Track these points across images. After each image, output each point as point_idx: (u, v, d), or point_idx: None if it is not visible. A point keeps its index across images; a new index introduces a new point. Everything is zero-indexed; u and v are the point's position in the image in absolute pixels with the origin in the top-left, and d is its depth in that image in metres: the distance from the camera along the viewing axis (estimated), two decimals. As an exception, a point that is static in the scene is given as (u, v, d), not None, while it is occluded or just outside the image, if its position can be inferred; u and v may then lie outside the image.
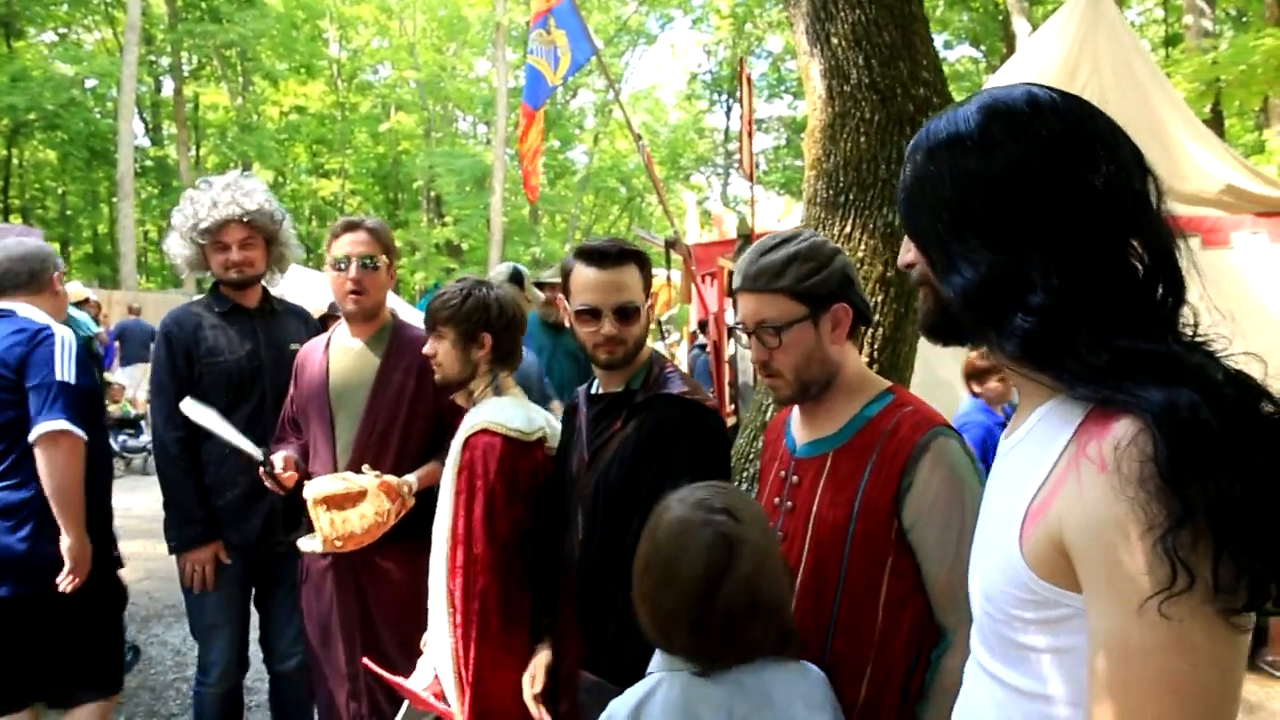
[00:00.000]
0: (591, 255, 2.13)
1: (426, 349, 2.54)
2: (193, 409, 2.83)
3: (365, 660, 2.31)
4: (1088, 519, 0.88)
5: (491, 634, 2.28)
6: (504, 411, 2.42)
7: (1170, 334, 0.97)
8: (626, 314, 2.10)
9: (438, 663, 2.37)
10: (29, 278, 2.98)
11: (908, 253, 1.17)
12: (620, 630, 1.95)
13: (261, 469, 2.83)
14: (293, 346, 3.14)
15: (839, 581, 1.66)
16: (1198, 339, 0.98)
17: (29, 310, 2.92)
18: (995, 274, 1.01)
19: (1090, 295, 0.96)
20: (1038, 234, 0.99)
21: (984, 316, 1.04)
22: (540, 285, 5.12)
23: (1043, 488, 0.96)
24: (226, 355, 3.08)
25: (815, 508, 1.71)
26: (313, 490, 2.67)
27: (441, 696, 2.35)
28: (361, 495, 2.65)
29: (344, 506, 2.65)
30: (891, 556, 1.62)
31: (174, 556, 3.10)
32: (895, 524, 1.62)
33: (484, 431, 2.36)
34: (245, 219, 3.11)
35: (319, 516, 2.64)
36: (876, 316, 2.66)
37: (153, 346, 3.20)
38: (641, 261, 2.17)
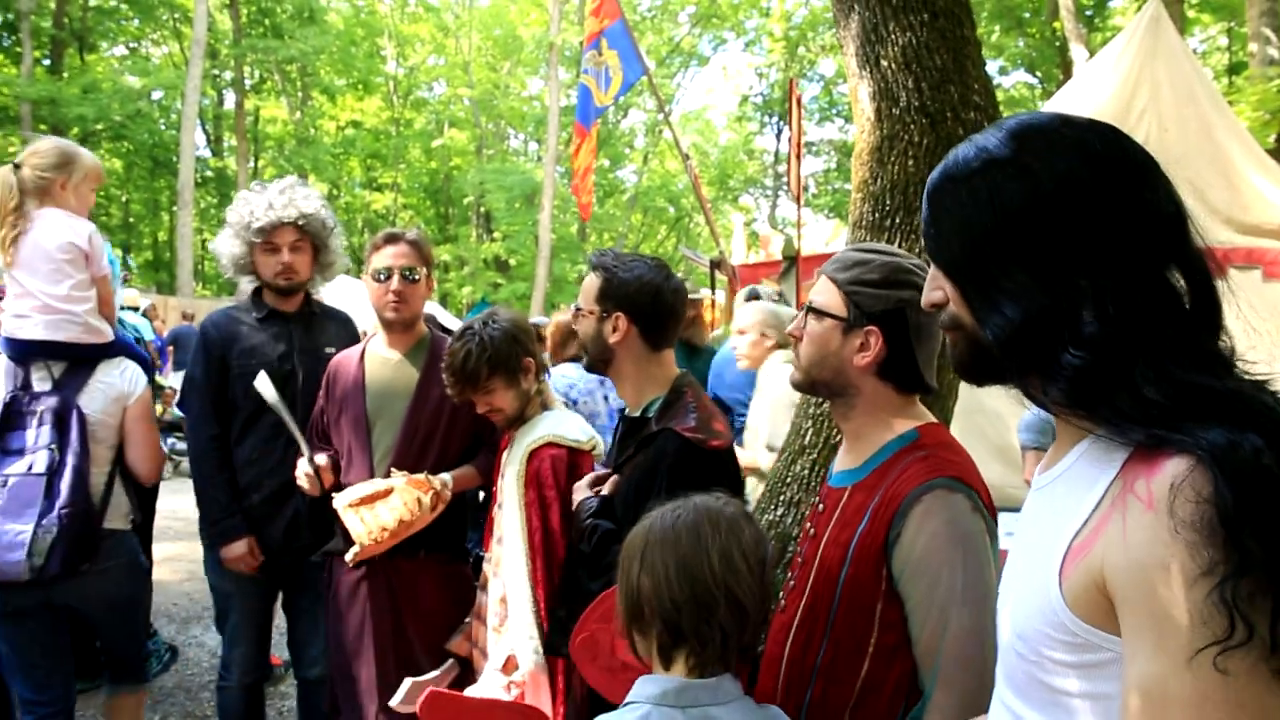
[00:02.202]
0: None
1: (479, 410, 2.58)
2: (264, 385, 2.89)
3: (438, 689, 2.32)
4: (1133, 560, 0.83)
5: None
6: (561, 424, 2.53)
7: (1222, 365, 0.92)
8: (577, 314, 2.27)
9: (527, 674, 2.36)
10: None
11: (935, 290, 1.09)
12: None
13: (302, 461, 2.86)
14: (328, 350, 3.16)
15: (828, 623, 1.59)
16: (1260, 376, 0.92)
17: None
18: (1043, 309, 0.94)
19: (1146, 324, 0.91)
20: (1089, 258, 0.93)
21: (1029, 359, 0.97)
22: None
23: (1085, 526, 0.91)
24: (260, 359, 3.07)
25: (823, 542, 1.65)
26: (342, 499, 2.71)
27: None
28: (389, 492, 2.68)
29: (373, 504, 2.68)
30: (881, 605, 1.53)
31: (206, 554, 3.16)
32: (885, 573, 1.53)
33: (548, 444, 2.45)
34: (300, 222, 3.13)
35: (349, 520, 2.67)
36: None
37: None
38: (603, 275, 2.21)
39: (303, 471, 2.85)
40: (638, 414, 2.19)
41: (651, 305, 2.17)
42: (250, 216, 3.09)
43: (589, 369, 2.33)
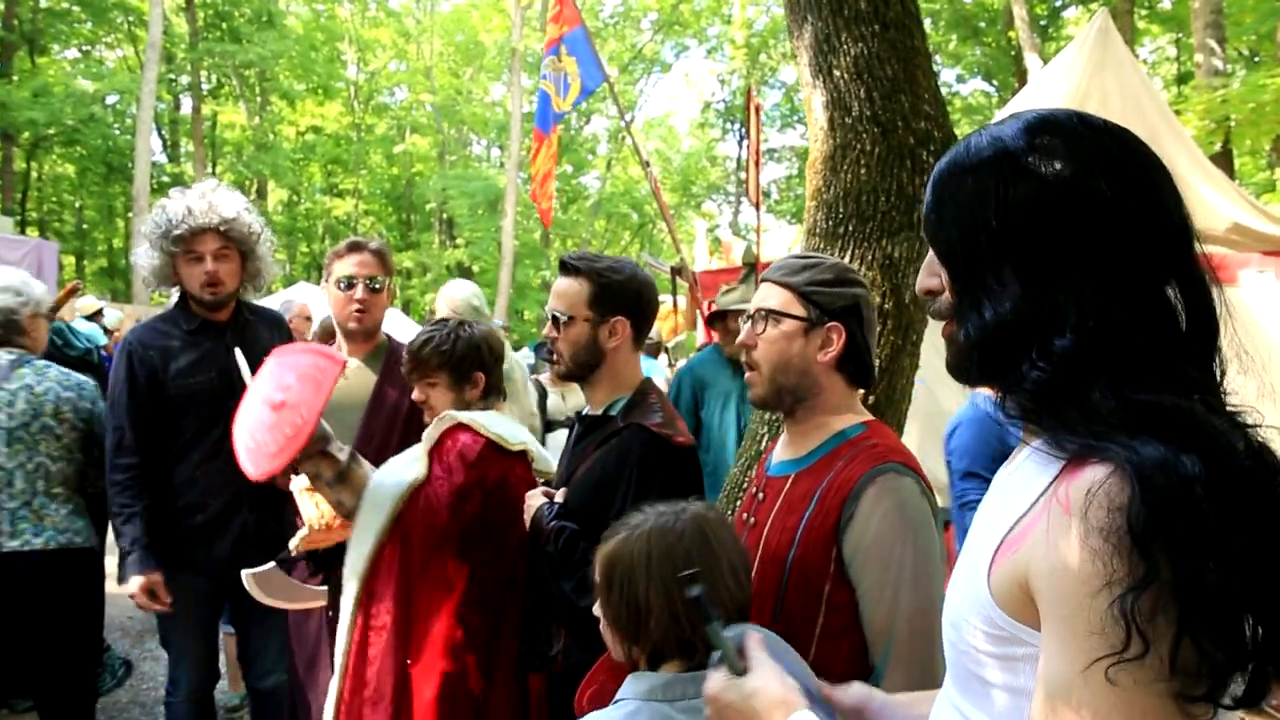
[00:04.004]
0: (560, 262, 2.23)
1: (416, 396, 2.54)
2: (243, 361, 2.76)
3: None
4: (1048, 562, 0.83)
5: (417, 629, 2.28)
6: (487, 417, 2.46)
7: (1198, 390, 0.88)
8: (557, 322, 2.16)
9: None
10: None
11: (931, 277, 1.05)
12: (564, 647, 2.01)
13: None
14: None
15: (776, 606, 1.64)
16: (1230, 405, 0.90)
17: None
18: (1020, 316, 0.92)
19: (1121, 342, 0.88)
20: (1084, 268, 0.90)
21: (994, 364, 0.96)
22: (721, 315, 4.35)
23: (1018, 523, 0.92)
24: (198, 376, 2.94)
25: (767, 528, 1.69)
26: (300, 480, 2.64)
27: None
28: None
29: None
30: (829, 587, 1.59)
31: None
32: (835, 555, 1.58)
33: (462, 427, 2.37)
34: (221, 228, 2.95)
35: (303, 502, 2.62)
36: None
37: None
38: (591, 279, 2.14)
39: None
40: (599, 412, 2.19)
41: (646, 306, 2.20)
42: (168, 224, 2.91)
43: (567, 377, 2.22)
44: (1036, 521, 0.89)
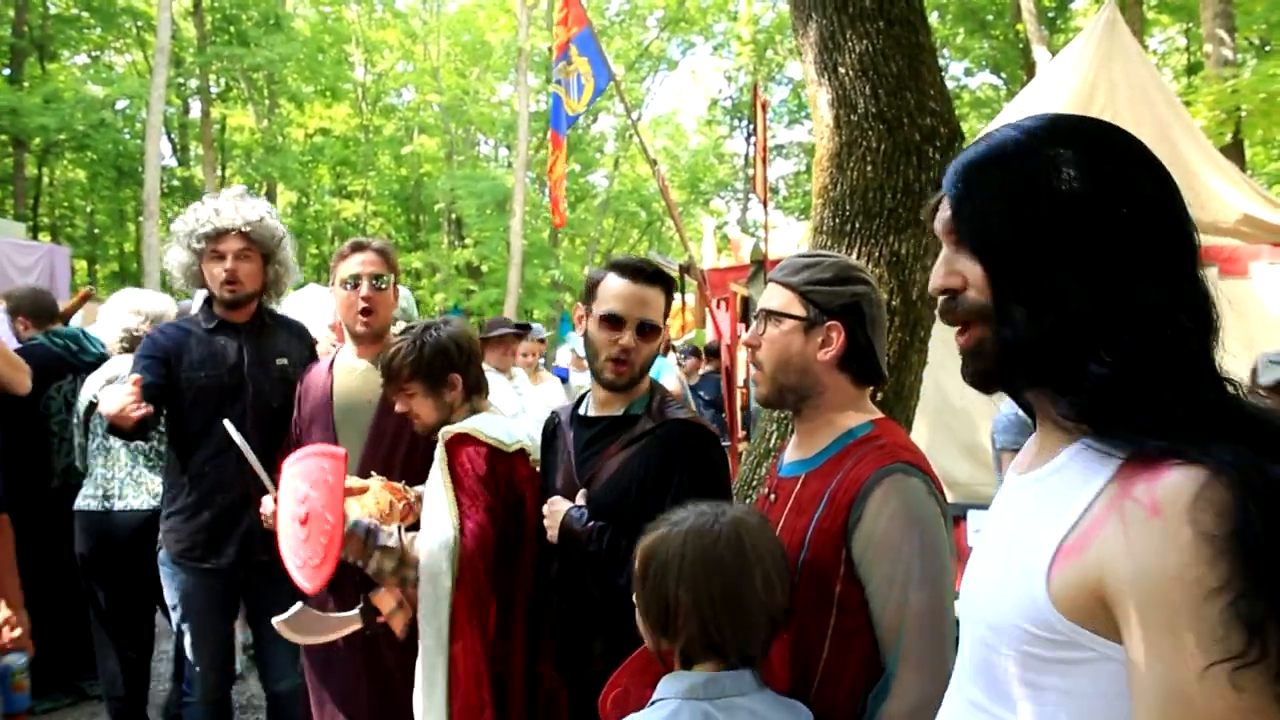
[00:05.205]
0: (626, 268, 2.19)
1: (398, 409, 2.55)
2: (234, 430, 2.77)
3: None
4: (1141, 567, 0.82)
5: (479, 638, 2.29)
6: (481, 422, 2.46)
7: (1236, 386, 0.91)
8: (646, 330, 2.15)
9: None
10: None
11: (953, 276, 1.02)
12: (604, 650, 2.01)
13: (266, 500, 2.78)
14: (279, 362, 3.14)
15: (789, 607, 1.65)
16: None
17: None
18: (1086, 311, 0.90)
19: (1178, 340, 0.89)
20: (1143, 263, 0.90)
21: (1048, 366, 0.93)
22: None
23: (1076, 527, 0.90)
24: (208, 371, 3.05)
25: (779, 530, 1.70)
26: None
27: None
28: (363, 491, 2.66)
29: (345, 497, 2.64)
30: (839, 587, 1.59)
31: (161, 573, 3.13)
32: (845, 555, 1.59)
33: (462, 438, 2.39)
34: (244, 229, 3.08)
35: None
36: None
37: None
38: (668, 289, 2.22)
39: (267, 510, 2.78)
40: (619, 413, 2.21)
41: None
42: (196, 224, 3.06)
43: (625, 388, 2.20)
44: (1103, 525, 0.88)
